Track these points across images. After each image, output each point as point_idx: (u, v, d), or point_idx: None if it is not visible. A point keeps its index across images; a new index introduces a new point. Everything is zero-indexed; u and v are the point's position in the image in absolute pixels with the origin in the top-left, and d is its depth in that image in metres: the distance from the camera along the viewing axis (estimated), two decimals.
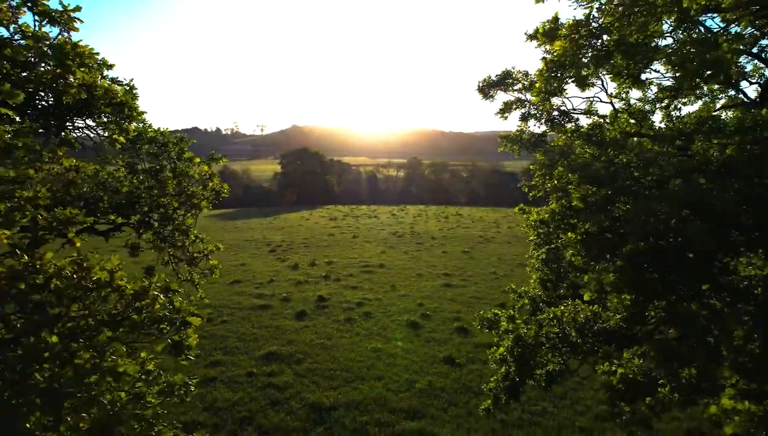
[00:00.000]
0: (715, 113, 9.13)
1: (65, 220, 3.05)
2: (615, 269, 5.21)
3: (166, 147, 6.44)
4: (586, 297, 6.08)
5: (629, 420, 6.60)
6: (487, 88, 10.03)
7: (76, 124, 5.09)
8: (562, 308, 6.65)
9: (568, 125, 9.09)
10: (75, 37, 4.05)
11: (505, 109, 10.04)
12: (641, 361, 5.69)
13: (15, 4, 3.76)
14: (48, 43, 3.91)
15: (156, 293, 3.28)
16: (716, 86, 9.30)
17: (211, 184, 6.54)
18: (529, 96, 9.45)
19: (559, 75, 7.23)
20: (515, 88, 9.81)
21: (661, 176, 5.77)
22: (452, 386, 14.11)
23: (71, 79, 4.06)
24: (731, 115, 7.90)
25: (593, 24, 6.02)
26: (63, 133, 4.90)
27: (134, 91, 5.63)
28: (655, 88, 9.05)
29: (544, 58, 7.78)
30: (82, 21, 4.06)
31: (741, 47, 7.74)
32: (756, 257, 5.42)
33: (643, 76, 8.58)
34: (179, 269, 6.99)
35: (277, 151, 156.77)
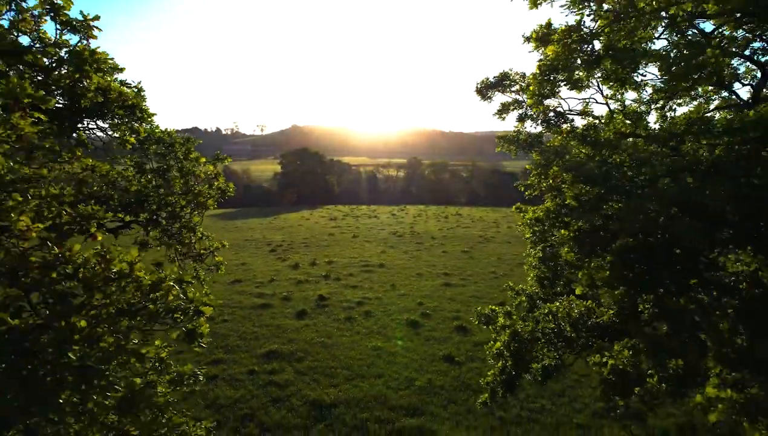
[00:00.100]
0: (709, 114, 9.32)
1: (87, 215, 3.26)
2: (605, 264, 5.39)
3: (173, 147, 6.65)
4: (577, 291, 6.27)
5: (624, 414, 6.79)
6: (485, 90, 10.22)
7: (88, 125, 5.29)
8: (557, 303, 6.84)
9: (564, 126, 9.30)
10: (93, 43, 4.28)
11: (503, 110, 10.24)
12: (630, 353, 5.88)
13: (37, 14, 3.97)
14: (66, 49, 4.12)
15: (171, 283, 3.49)
16: (710, 88, 9.52)
17: (216, 183, 6.75)
18: (525, 97, 9.65)
19: (552, 78, 7.43)
20: (512, 89, 10.01)
21: (652, 176, 5.96)
22: (451, 384, 14.29)
23: (86, 83, 4.26)
24: (720, 116, 8.11)
25: (584, 29, 6.22)
26: (75, 134, 5.10)
27: (142, 94, 5.84)
28: (650, 90, 9.26)
29: (540, 60, 7.98)
30: (100, 29, 4.27)
31: (734, 49, 7.96)
32: (744, 254, 5.62)
33: (638, 79, 8.80)
34: (185, 265, 7.19)
35: (277, 151, 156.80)
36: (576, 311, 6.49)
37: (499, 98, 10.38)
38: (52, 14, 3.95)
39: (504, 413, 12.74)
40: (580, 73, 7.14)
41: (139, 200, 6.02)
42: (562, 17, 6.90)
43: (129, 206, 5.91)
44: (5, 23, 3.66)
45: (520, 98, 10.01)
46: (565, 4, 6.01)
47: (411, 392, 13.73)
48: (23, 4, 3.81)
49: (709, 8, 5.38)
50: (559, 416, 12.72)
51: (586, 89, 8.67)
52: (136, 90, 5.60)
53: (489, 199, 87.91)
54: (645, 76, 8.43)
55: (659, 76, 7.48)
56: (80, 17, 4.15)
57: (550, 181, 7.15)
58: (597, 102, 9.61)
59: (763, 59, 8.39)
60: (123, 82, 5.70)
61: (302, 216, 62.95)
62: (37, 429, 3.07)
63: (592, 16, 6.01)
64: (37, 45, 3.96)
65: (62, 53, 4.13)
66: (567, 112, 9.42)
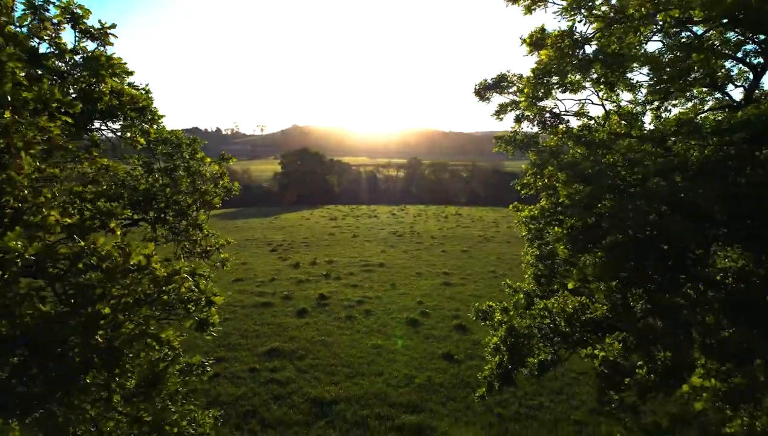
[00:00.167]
0: (703, 115, 9.50)
1: (107, 212, 3.46)
2: (596, 259, 5.58)
3: (180, 147, 6.86)
4: (570, 286, 6.47)
5: (618, 407, 6.98)
6: (483, 91, 10.39)
7: (100, 127, 5.49)
8: (553, 300, 7.03)
9: (560, 127, 9.48)
10: (109, 49, 4.47)
11: (501, 111, 10.41)
12: (621, 345, 6.07)
13: (57, 22, 4.17)
14: (82, 55, 4.32)
15: (185, 275, 3.69)
16: (704, 89, 9.70)
17: (222, 182, 6.95)
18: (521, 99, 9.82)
19: (545, 81, 7.62)
20: (510, 90, 10.18)
21: (644, 175, 6.15)
22: (451, 382, 14.48)
23: (102, 87, 4.46)
24: (710, 117, 8.30)
25: (576, 35, 6.41)
26: (87, 135, 5.30)
27: (150, 96, 6.04)
28: (645, 91, 9.44)
29: (536, 63, 8.17)
30: (116, 36, 4.48)
31: (727, 51, 8.15)
32: (732, 251, 5.81)
33: (633, 81, 8.99)
34: (191, 262, 7.40)
35: (277, 151, 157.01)
36: (570, 306, 6.68)
37: (497, 99, 10.56)
38: (72, 23, 4.16)
39: (502, 410, 12.93)
40: (573, 76, 7.32)
41: (148, 199, 6.22)
42: (555, 22, 7.10)
43: (137, 204, 6.12)
44: (24, 30, 3.86)
45: (518, 99, 10.18)
46: (558, 11, 6.21)
47: (411, 390, 13.92)
48: (45, 14, 4.01)
49: (695, 14, 5.58)
50: (557, 413, 12.91)
51: (582, 91, 8.87)
52: (144, 92, 5.81)
53: (489, 199, 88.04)
54: (636, 79, 8.63)
55: (650, 79, 7.66)
56: (98, 25, 4.36)
57: (545, 180, 7.34)
58: (593, 103, 9.80)
59: (755, 61, 8.58)
60: (131, 85, 5.90)
61: (302, 216, 63.13)
62: (56, 415, 3.27)
63: (583, 22, 6.20)
64: (56, 51, 4.15)
65: (77, 58, 4.33)
66: (563, 113, 9.62)
